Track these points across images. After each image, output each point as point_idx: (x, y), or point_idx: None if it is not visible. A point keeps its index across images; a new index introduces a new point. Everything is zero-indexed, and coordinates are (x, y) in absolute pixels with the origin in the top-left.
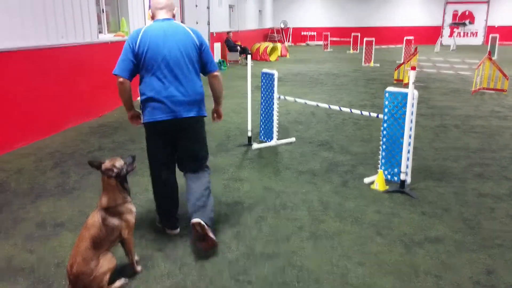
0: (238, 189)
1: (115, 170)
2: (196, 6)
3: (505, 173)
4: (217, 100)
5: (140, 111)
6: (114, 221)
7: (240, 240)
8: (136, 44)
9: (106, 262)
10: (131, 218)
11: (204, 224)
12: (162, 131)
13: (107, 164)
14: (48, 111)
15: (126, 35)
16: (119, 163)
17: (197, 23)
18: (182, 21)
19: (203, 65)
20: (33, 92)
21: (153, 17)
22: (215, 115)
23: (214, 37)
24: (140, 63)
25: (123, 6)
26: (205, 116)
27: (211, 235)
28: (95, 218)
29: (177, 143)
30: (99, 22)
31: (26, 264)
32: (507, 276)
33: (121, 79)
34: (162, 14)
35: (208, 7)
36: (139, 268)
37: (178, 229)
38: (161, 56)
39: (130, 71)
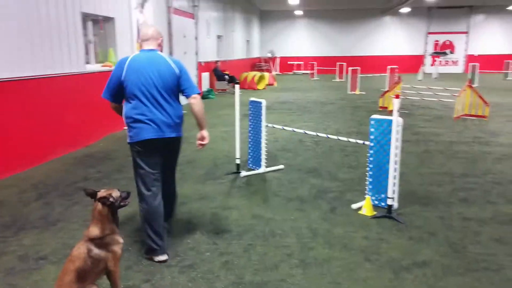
0: (227, 217)
1: (110, 199)
2: (184, 36)
3: (489, 198)
4: (200, 122)
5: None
6: (100, 252)
7: (228, 269)
8: (123, 71)
9: None
10: (118, 249)
11: None
12: (149, 148)
13: (102, 193)
14: (32, 141)
15: (114, 65)
16: (115, 194)
17: (185, 53)
18: (171, 51)
19: (183, 90)
20: (17, 122)
21: (141, 46)
22: (199, 141)
23: (202, 67)
24: (126, 89)
25: (111, 37)
26: (182, 136)
27: None
28: (81, 249)
29: (162, 157)
30: (87, 52)
31: None
32: None
33: (112, 104)
34: (147, 45)
35: (196, 38)
36: None
37: (167, 256)
38: (145, 83)
39: (117, 95)
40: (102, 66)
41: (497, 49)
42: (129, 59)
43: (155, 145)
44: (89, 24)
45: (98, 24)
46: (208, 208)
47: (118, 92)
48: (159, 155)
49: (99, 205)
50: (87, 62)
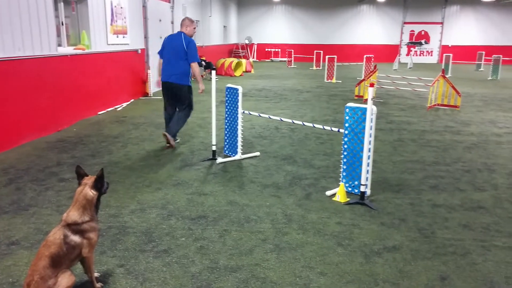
0: (202, 203)
1: (105, 185)
2: (160, 20)
3: (458, 185)
4: (197, 79)
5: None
6: (76, 239)
7: (203, 254)
8: (164, 41)
9: (65, 280)
10: (94, 236)
11: (167, 134)
12: (163, 87)
13: (90, 178)
14: (2, 125)
15: (87, 48)
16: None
17: (160, 37)
18: (145, 35)
19: (187, 58)
20: None
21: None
22: (199, 90)
23: None
24: (163, 52)
25: (84, 19)
26: (187, 85)
27: (171, 140)
28: (57, 235)
29: (172, 95)
30: (58, 34)
31: None
32: (460, 282)
33: (158, 57)
34: (180, 29)
35: (172, 22)
36: (99, 285)
37: (173, 140)
38: (168, 50)
39: (162, 54)
40: (75, 49)
41: (470, 40)
42: (167, 36)
43: (166, 85)
44: (61, 6)
45: (70, 6)
46: (184, 194)
47: (161, 53)
48: (169, 93)
49: (88, 190)
50: (59, 45)
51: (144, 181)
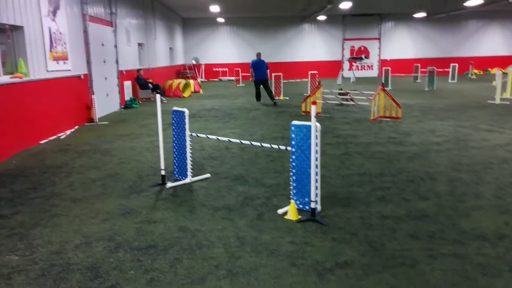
0: (152, 232)
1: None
2: (103, 44)
3: (403, 195)
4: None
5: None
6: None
7: (154, 286)
8: (253, 63)
9: None
10: None
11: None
12: (256, 82)
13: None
14: None
15: (25, 76)
16: None
17: (104, 62)
18: (88, 60)
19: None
20: None
21: (257, 56)
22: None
23: (123, 75)
24: (254, 67)
25: (20, 46)
26: (268, 79)
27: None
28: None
29: (260, 85)
30: None
31: None
32: None
33: (251, 71)
34: (258, 56)
35: (115, 46)
36: None
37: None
38: (258, 65)
39: (253, 68)
40: (11, 77)
41: (406, 54)
42: (254, 59)
43: (258, 81)
44: None
45: (5, 33)
46: (132, 224)
47: (253, 67)
48: (259, 84)
49: None
50: None
51: (89, 212)
